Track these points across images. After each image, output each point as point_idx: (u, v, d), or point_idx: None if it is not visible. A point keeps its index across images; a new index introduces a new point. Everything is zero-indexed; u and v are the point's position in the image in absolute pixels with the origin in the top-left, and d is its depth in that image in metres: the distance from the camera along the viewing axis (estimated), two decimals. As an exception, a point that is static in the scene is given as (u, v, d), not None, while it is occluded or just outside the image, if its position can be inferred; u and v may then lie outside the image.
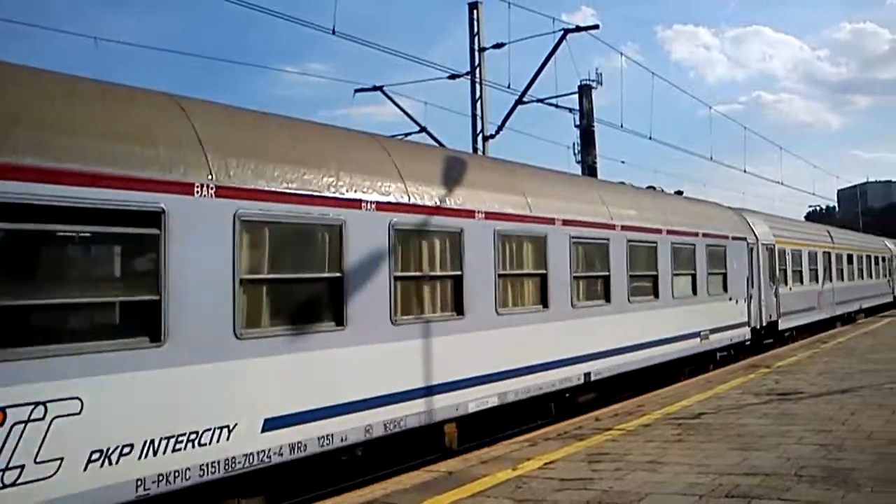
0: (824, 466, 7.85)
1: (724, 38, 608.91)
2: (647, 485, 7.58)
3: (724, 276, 19.61)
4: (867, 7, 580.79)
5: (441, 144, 18.30)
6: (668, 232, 16.80)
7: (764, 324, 22.20)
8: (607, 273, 14.36)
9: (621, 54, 24.89)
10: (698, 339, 17.92)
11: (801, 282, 26.71)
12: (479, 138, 20.89)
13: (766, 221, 24.90)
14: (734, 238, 20.58)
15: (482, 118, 20.89)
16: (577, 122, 43.10)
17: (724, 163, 38.46)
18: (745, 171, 40.73)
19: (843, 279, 32.90)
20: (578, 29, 21.49)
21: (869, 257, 39.52)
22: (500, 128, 21.24)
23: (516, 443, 10.26)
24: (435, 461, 9.68)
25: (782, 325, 23.80)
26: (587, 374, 13.37)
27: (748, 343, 20.98)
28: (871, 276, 39.46)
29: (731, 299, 19.80)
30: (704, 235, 18.66)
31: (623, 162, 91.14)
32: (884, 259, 43.70)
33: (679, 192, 22.28)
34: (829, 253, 30.99)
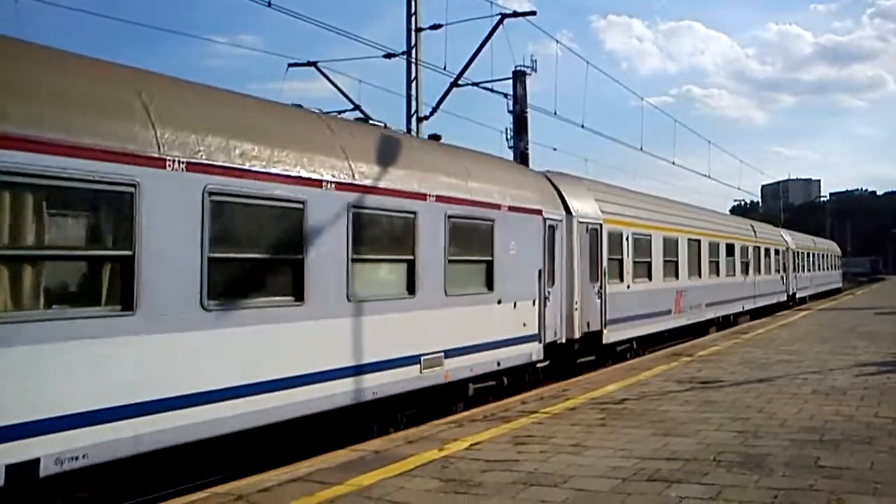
0: (741, 452, 8.10)
1: (658, 30, 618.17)
2: (572, 467, 7.71)
3: (489, 265, 13.19)
4: (791, 10, 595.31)
5: (372, 120, 18.12)
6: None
7: (577, 335, 16.49)
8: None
9: (556, 41, 25.30)
10: (417, 368, 11.38)
11: (649, 277, 20.90)
12: (414, 119, 20.83)
13: (595, 192, 18.60)
14: (517, 210, 14.15)
15: (417, 99, 20.84)
16: (511, 108, 43.25)
17: (653, 154, 39.31)
18: (673, 164, 41.20)
19: (717, 274, 27.70)
20: (515, 14, 21.67)
21: (757, 249, 34.41)
22: (434, 109, 21.23)
23: (443, 423, 10.31)
24: (361, 441, 9.69)
25: (609, 338, 17.87)
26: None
27: (540, 365, 15.08)
28: (758, 272, 34.38)
29: (499, 302, 13.38)
30: (443, 200, 12.07)
31: (555, 149, 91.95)
32: (777, 252, 38.92)
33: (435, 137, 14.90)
34: (697, 241, 25.31)
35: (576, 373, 15.88)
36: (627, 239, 19.40)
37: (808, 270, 48.68)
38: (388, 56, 21.38)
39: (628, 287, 19.35)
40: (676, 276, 23.10)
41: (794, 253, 42.98)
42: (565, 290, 16.12)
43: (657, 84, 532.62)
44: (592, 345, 17.37)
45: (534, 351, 14.56)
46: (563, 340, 16.01)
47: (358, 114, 20.43)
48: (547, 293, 15.11)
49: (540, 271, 14.82)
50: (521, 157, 37.55)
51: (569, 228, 16.44)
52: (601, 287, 17.73)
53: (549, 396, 12.24)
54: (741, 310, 30.85)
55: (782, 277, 39.55)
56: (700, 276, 25.41)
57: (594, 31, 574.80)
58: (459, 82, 21.42)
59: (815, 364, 15.26)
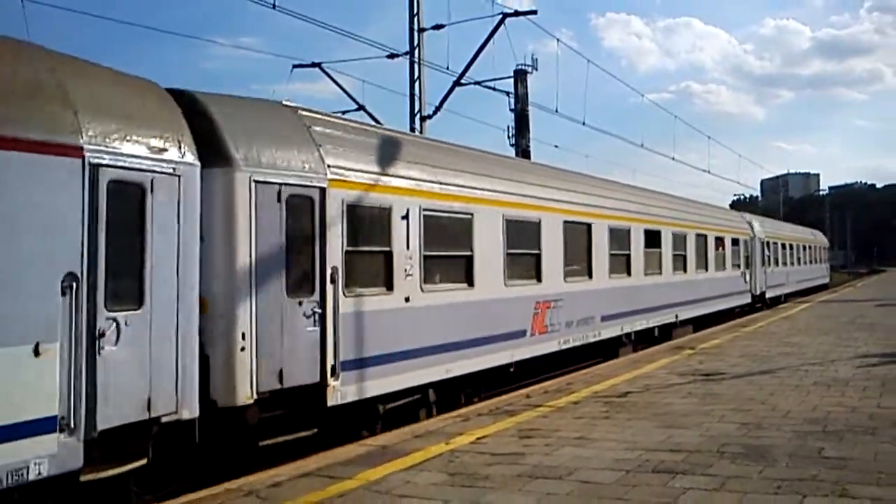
0: (744, 444, 8.18)
1: (656, 27, 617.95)
2: (577, 459, 7.80)
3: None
4: (789, 5, 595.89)
5: (378, 122, 18.22)
6: None
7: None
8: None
9: (557, 40, 25.04)
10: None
11: (469, 282, 12.88)
12: (417, 118, 20.91)
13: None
14: None
15: (420, 98, 20.93)
16: (512, 107, 43.85)
17: (653, 150, 39.27)
18: (673, 159, 41.20)
19: (627, 272, 19.08)
20: (517, 14, 21.91)
21: (703, 238, 25.40)
22: (437, 108, 21.34)
23: (449, 418, 10.40)
24: (369, 436, 9.78)
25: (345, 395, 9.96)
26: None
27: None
28: (704, 267, 25.55)
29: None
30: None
31: (556, 146, 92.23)
32: (736, 242, 30.06)
33: None
34: (588, 224, 17.03)
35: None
36: (407, 217, 11.34)
37: (785, 264, 40.28)
38: (392, 56, 21.48)
39: (407, 300, 11.28)
40: (538, 277, 14.84)
41: (762, 243, 34.30)
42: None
43: (656, 81, 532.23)
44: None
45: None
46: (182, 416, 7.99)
47: (363, 114, 20.56)
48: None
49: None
50: (523, 154, 37.73)
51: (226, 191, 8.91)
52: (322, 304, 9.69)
53: (553, 390, 12.32)
54: (674, 320, 22.23)
55: (744, 274, 30.76)
56: (590, 276, 17.03)
57: (593, 29, 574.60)
58: (462, 81, 21.51)
59: (816, 356, 15.33)
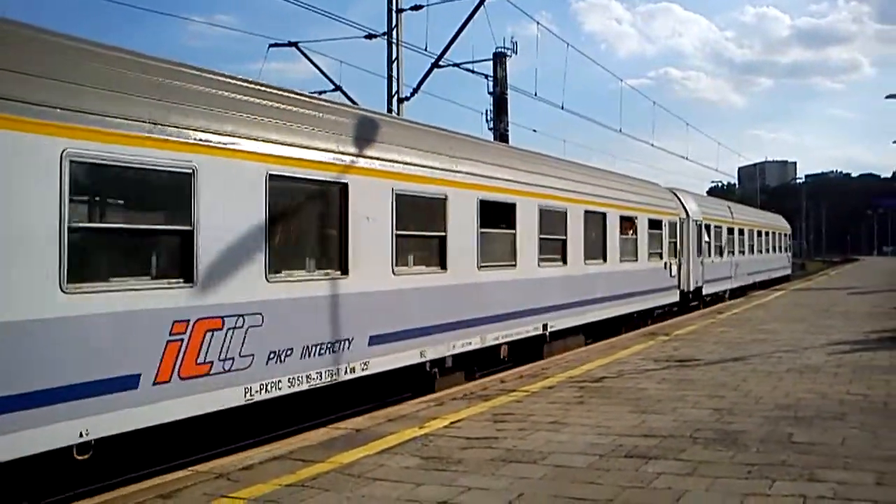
0: (717, 429, 8.23)
1: (636, 12, 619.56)
2: (550, 444, 7.81)
3: None
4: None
5: (355, 103, 18.11)
6: None
7: None
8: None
9: (538, 23, 24.95)
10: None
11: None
12: (395, 100, 20.80)
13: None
14: None
15: (398, 80, 20.82)
16: (491, 90, 43.79)
17: (632, 136, 39.26)
18: (652, 146, 41.11)
19: (441, 266, 12.58)
20: (496, -6, 21.62)
21: (601, 218, 18.85)
22: (415, 90, 21.23)
23: (423, 402, 10.38)
24: (341, 419, 9.75)
25: None
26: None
27: None
28: (602, 257, 18.87)
29: None
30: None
31: (535, 130, 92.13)
32: (656, 224, 23.00)
33: None
34: (340, 185, 10.46)
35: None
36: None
37: (732, 253, 33.52)
38: (369, 37, 21.31)
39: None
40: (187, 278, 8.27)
41: (699, 227, 27.70)
42: None
43: (636, 66, 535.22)
44: None
45: None
46: None
47: (339, 94, 20.43)
48: None
49: None
50: (501, 138, 37.67)
51: None
52: None
53: (528, 375, 12.34)
54: (540, 331, 15.60)
55: (669, 266, 24.02)
56: (360, 268, 10.61)
57: (573, 13, 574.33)
58: (440, 63, 21.41)
59: (789, 343, 15.47)
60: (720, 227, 31.59)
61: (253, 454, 7.78)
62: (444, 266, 12.53)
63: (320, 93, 20.01)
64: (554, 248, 16.40)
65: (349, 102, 17.21)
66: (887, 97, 48.38)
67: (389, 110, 20.65)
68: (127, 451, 7.87)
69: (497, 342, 14.05)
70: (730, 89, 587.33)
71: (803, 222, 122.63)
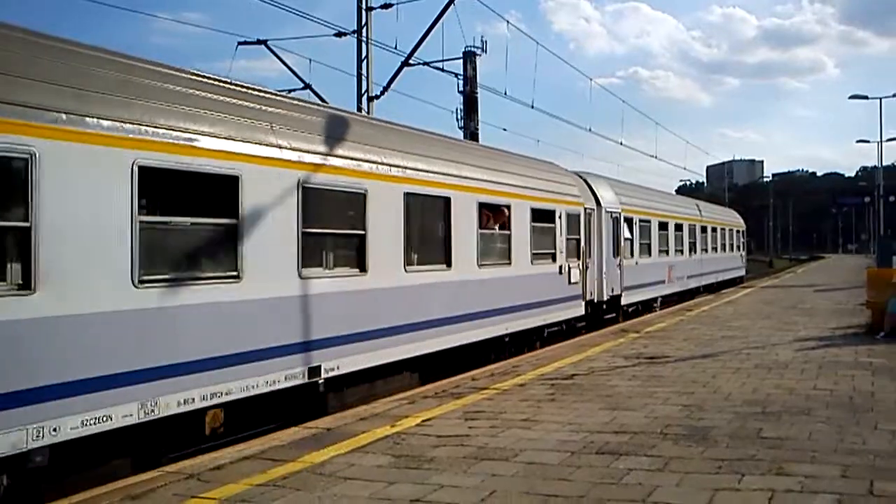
0: (687, 425, 8.30)
1: (605, 11, 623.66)
2: (522, 441, 7.83)
3: None
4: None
5: (325, 101, 18.02)
6: None
7: None
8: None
9: (507, 22, 24.96)
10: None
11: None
12: (365, 98, 20.73)
13: None
14: None
15: (368, 78, 20.73)
16: (461, 89, 43.95)
17: (601, 134, 39.36)
18: (621, 144, 41.22)
19: (231, 274, 9.03)
20: (466, -8, 21.63)
21: (440, 204, 13.61)
22: (385, 89, 21.17)
23: (395, 400, 10.36)
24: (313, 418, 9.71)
25: None
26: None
27: None
28: (442, 262, 13.61)
29: None
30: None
31: (504, 129, 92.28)
32: (546, 216, 17.75)
33: None
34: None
35: None
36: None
37: (665, 253, 28.16)
38: (339, 35, 21.20)
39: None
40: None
41: (615, 220, 22.44)
42: None
43: (605, 65, 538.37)
44: None
45: None
46: None
47: (309, 93, 20.33)
48: None
49: None
50: (472, 137, 37.74)
51: None
52: None
53: (499, 373, 12.36)
54: (304, 379, 10.09)
55: (566, 270, 18.51)
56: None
57: (542, 12, 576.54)
58: (410, 62, 21.38)
59: (758, 340, 15.64)
60: (648, 222, 25.96)
61: (223, 454, 7.72)
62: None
63: (290, 91, 19.93)
64: (340, 248, 11.16)
65: (318, 101, 17.06)
66: (851, 97, 49.22)
67: (360, 109, 20.57)
68: (93, 454, 7.78)
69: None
70: (697, 89, 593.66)
71: (771, 220, 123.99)
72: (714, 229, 37.49)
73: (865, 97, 48.45)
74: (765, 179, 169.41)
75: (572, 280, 18.80)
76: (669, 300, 28.15)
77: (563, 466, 6.88)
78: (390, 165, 12.09)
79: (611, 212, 22.12)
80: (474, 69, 48.53)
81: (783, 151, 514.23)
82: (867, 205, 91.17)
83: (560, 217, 18.29)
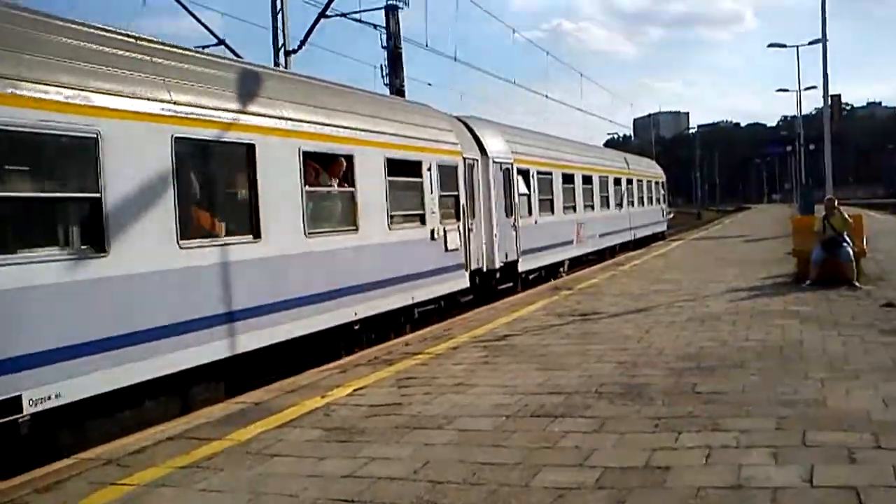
0: (622, 383, 8.20)
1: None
2: (456, 407, 7.64)
3: None
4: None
5: (239, 57, 17.33)
6: None
7: None
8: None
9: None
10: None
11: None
12: (282, 53, 20.07)
13: None
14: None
15: (284, 31, 20.04)
16: (384, 44, 43.16)
17: (526, 87, 38.84)
18: (546, 97, 40.94)
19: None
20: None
21: (239, 153, 10.37)
22: (302, 42, 20.53)
23: (326, 370, 10.09)
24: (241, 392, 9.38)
25: None
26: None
27: None
28: (249, 232, 10.30)
29: None
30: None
31: (430, 84, 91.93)
32: (415, 170, 14.85)
33: None
34: None
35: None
36: None
37: (571, 209, 24.98)
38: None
39: None
40: None
41: (506, 173, 19.25)
42: None
43: (528, 19, 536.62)
44: None
45: None
46: None
47: (224, 49, 19.58)
48: None
49: None
50: (398, 94, 37.17)
51: None
52: None
53: (431, 337, 12.16)
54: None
55: (441, 234, 15.49)
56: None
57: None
58: (328, 14, 20.76)
59: (690, 292, 15.73)
60: (549, 174, 22.70)
61: (145, 436, 7.35)
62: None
63: (203, 47, 19.13)
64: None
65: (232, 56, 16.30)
66: (769, 45, 49.86)
67: (276, 64, 19.92)
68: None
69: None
70: (622, 40, 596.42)
71: (697, 172, 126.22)
72: (630, 181, 34.34)
73: (783, 46, 48.92)
74: (691, 131, 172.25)
75: (450, 246, 15.69)
76: (579, 263, 25.35)
77: (497, 432, 6.71)
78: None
79: (500, 162, 18.82)
80: (397, 23, 47.52)
81: (707, 103, 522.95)
82: (789, 154, 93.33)
83: (430, 170, 15.07)
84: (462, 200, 16.53)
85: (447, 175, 15.95)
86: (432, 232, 15.06)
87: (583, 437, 6.41)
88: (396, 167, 13.91)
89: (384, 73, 41.09)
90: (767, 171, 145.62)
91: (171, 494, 5.75)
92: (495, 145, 18.95)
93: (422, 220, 14.82)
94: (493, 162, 18.42)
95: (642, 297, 15.36)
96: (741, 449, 5.84)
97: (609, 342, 10.73)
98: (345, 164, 12.47)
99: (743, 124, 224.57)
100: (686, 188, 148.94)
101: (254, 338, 10.13)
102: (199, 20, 19.64)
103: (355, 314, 12.41)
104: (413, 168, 14.65)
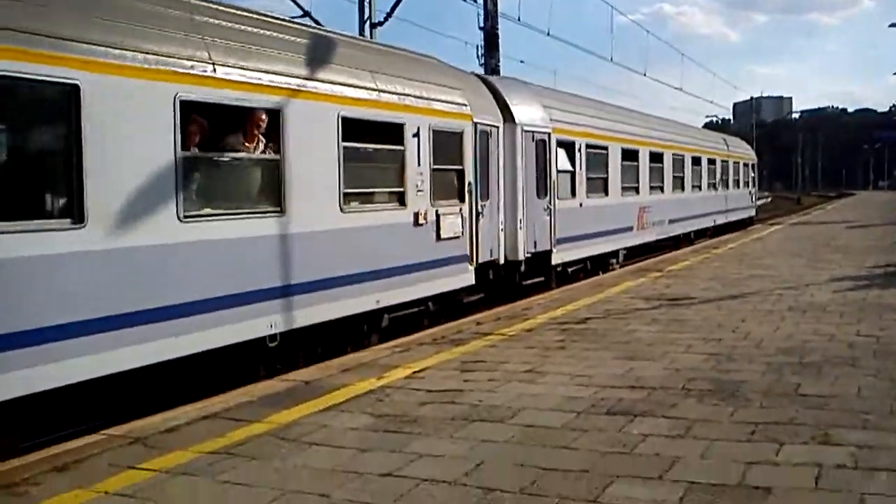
0: (713, 379, 7.22)
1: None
2: (522, 398, 6.79)
3: None
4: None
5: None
6: None
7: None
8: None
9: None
10: None
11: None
12: (367, 25, 19.39)
13: None
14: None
15: (370, 3, 19.35)
16: (481, 25, 43.21)
17: (623, 65, 37.23)
18: (644, 75, 39.16)
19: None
20: None
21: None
22: (389, 14, 19.79)
23: (387, 348, 9.37)
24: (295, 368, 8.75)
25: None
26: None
27: None
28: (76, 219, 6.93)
29: None
30: None
31: (522, 62, 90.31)
32: (396, 135, 11.38)
33: None
34: None
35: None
36: None
37: (636, 191, 21.54)
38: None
39: None
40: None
41: (542, 144, 15.94)
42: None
43: (629, 2, 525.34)
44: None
45: None
46: None
47: (308, 21, 19.00)
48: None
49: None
50: (493, 73, 36.52)
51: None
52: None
53: (506, 317, 11.32)
54: None
55: (430, 218, 12.02)
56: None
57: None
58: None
59: (790, 279, 14.45)
60: (603, 148, 19.00)
61: (179, 413, 6.74)
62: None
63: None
64: None
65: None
66: (891, 25, 46.89)
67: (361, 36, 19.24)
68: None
69: None
70: (724, 24, 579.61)
71: (799, 157, 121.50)
72: (712, 161, 30.13)
73: (906, 25, 45.82)
74: (793, 116, 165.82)
75: (445, 234, 12.31)
76: (637, 252, 21.55)
77: (565, 430, 5.85)
78: None
79: (532, 131, 15.41)
80: (495, 5, 47.13)
81: (813, 88, 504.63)
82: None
83: (416, 135, 11.63)
84: (468, 176, 13.07)
85: (447, 143, 12.47)
86: (416, 215, 11.62)
87: (665, 442, 5.50)
88: (361, 129, 10.45)
89: (479, 54, 40.30)
90: (875, 159, 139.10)
91: (188, 486, 5.08)
92: (527, 111, 15.47)
93: (401, 199, 11.39)
94: (523, 130, 15.02)
95: (738, 283, 14.17)
96: (861, 471, 4.82)
97: (699, 331, 9.70)
98: (265, 120, 9.02)
99: (851, 110, 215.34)
100: (786, 173, 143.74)
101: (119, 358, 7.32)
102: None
103: (271, 326, 9.02)
104: (390, 132, 11.20)
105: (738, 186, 34.87)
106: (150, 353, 7.58)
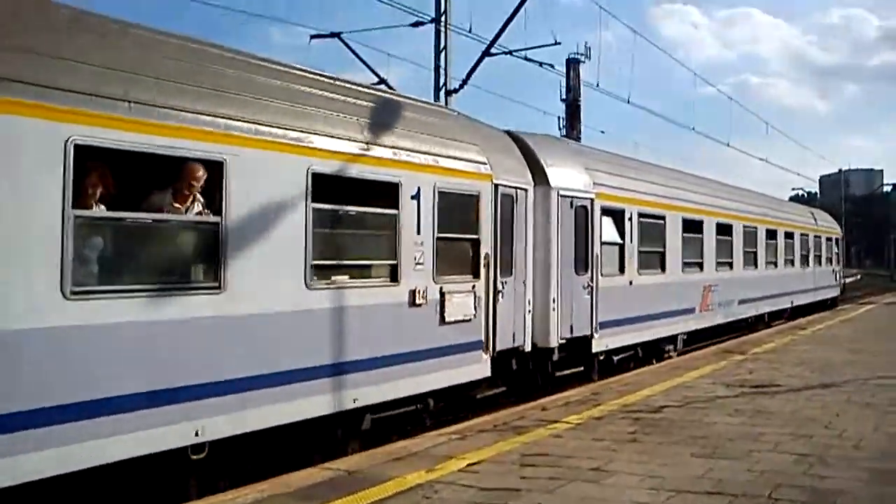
0: (805, 486, 6.34)
1: (715, 18, 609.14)
2: (584, 502, 6.05)
3: None
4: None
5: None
6: None
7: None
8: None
9: (620, 23, 22.71)
10: None
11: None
12: (442, 93, 19.16)
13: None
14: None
15: (446, 70, 19.14)
16: (563, 96, 43.55)
17: (706, 134, 36.32)
18: (728, 145, 37.88)
19: None
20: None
21: None
22: (465, 81, 19.52)
23: (443, 434, 8.70)
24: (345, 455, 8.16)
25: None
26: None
27: None
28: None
29: None
30: None
31: (602, 132, 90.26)
32: (386, 194, 9.36)
33: None
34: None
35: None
36: None
37: (701, 267, 19.04)
38: (417, 24, 19.73)
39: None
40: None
41: (578, 210, 13.63)
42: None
43: (713, 73, 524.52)
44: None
45: None
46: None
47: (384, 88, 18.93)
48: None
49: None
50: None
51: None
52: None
53: (575, 402, 10.54)
54: None
55: (432, 297, 9.97)
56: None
57: (649, 19, 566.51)
58: (492, 51, 19.69)
59: (889, 367, 13.27)
60: (660, 218, 16.78)
61: (208, 502, 6.21)
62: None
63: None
64: None
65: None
66: None
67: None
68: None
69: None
70: (813, 95, 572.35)
71: (893, 233, 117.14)
72: (790, 234, 27.07)
73: None
74: (885, 189, 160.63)
75: (450, 316, 10.31)
76: (700, 338, 18.87)
77: (633, 549, 5.09)
78: None
79: (570, 197, 13.37)
80: (578, 77, 47.26)
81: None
82: None
83: (416, 197, 9.78)
84: (484, 247, 11.06)
85: (457, 207, 10.65)
86: (413, 294, 9.67)
87: (750, 568, 4.69)
88: (341, 188, 8.72)
89: (561, 126, 40.33)
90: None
91: None
92: (565, 172, 13.46)
93: (393, 274, 9.47)
94: (560, 195, 13.04)
95: (829, 369, 13.08)
96: None
97: (788, 425, 8.77)
98: (202, 174, 7.29)
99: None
100: (876, 249, 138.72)
101: None
102: (361, 59, 19.19)
103: (196, 433, 7.01)
104: (381, 192, 9.34)
105: (821, 263, 31.72)
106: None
